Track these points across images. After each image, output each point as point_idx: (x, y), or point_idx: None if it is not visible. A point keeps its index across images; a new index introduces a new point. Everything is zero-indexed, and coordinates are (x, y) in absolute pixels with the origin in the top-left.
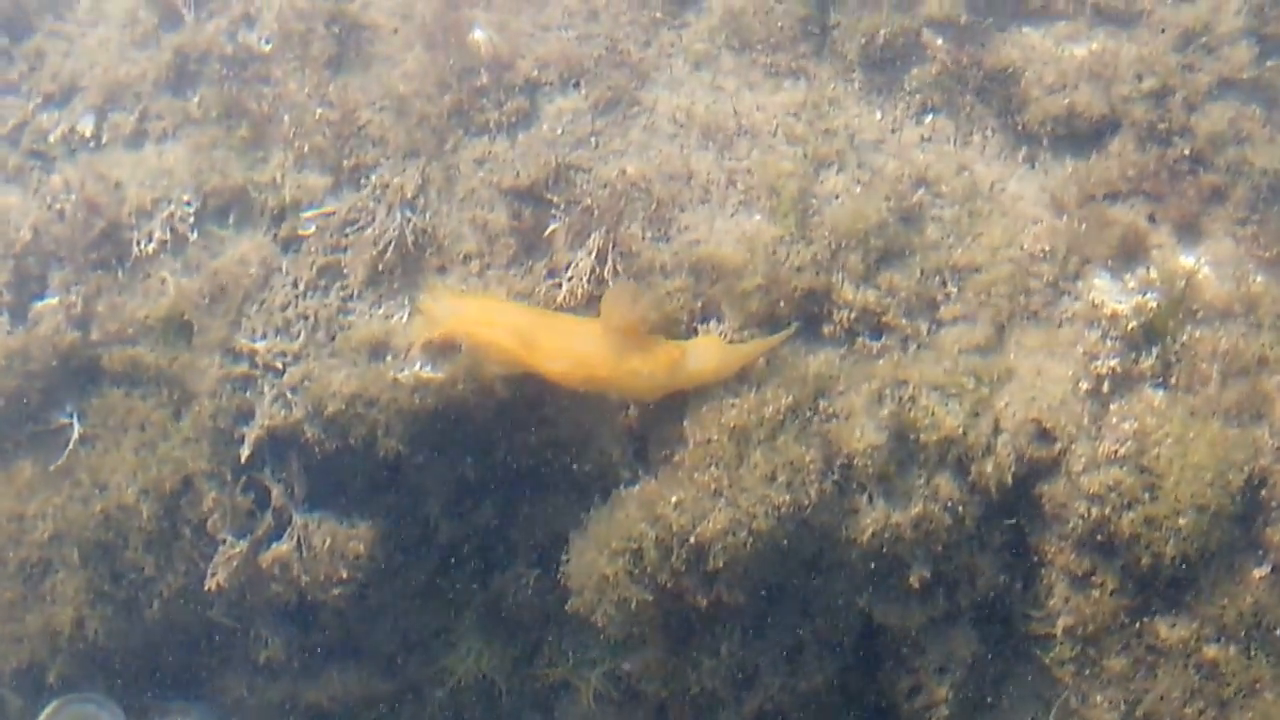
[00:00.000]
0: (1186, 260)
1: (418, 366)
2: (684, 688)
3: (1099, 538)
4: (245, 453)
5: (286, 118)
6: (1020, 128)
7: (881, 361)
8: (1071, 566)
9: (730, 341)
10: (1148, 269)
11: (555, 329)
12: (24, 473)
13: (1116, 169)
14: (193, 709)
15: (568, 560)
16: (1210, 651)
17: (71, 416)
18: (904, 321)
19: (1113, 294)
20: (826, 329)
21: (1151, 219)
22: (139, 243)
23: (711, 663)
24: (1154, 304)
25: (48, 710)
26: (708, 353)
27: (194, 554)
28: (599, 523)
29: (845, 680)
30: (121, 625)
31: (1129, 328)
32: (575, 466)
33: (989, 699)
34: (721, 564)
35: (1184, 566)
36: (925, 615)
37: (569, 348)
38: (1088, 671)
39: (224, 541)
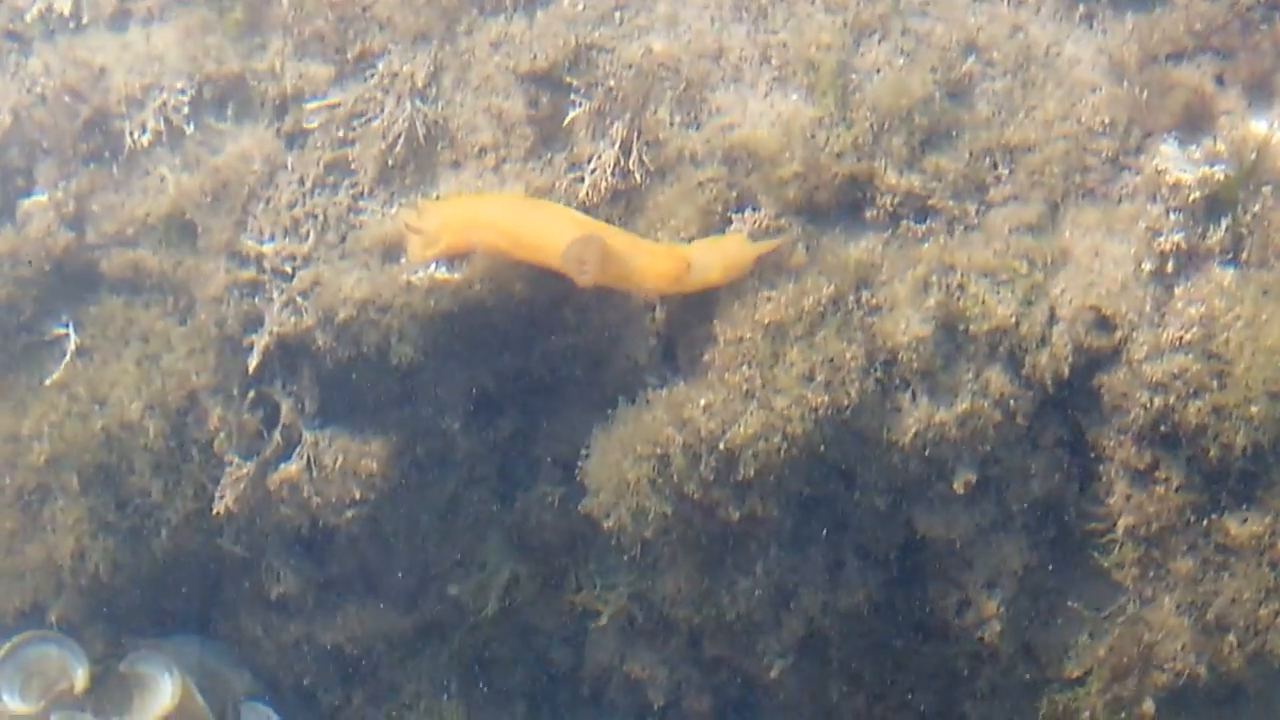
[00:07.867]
0: (1258, 125)
1: (432, 268)
2: (718, 612)
3: (1162, 429)
4: (253, 363)
5: (285, 1)
6: None
7: (927, 245)
8: (1132, 461)
9: (766, 231)
10: (1214, 138)
11: (541, 227)
12: (18, 388)
13: (1183, 22)
14: (165, 645)
15: (587, 456)
16: None
17: (68, 326)
18: (951, 204)
19: (1178, 162)
20: (869, 213)
21: (1219, 80)
22: (131, 134)
23: (747, 582)
24: (1222, 175)
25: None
26: (720, 255)
27: (203, 477)
28: (624, 423)
29: (890, 597)
30: (127, 557)
31: (1192, 199)
32: (599, 372)
33: (1045, 612)
34: (753, 472)
35: (1255, 458)
36: (972, 523)
37: (557, 249)
38: (1152, 574)
39: (231, 463)
